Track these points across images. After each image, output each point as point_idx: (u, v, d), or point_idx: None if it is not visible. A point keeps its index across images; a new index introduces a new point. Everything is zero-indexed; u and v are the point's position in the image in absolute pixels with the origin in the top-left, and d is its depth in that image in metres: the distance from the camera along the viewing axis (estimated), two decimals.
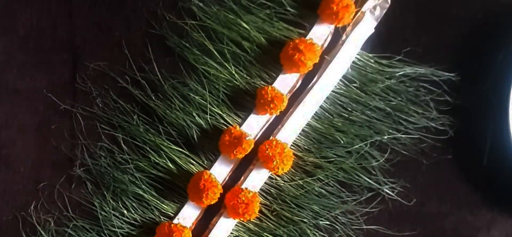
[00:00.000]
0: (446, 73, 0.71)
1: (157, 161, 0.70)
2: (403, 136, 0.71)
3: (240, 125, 0.71)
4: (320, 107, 0.71)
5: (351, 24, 0.71)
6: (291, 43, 0.70)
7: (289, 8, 0.71)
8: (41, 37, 0.72)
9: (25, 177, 0.71)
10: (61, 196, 0.70)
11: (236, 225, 0.70)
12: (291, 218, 0.70)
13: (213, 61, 0.71)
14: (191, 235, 0.69)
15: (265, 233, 0.70)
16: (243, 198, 0.67)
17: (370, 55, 0.71)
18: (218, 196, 0.68)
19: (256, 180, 0.70)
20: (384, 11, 0.71)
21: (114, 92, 0.71)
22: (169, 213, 0.70)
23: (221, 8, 0.71)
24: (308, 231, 0.70)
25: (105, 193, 0.70)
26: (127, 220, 0.70)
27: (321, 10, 0.71)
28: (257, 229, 0.70)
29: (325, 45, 0.72)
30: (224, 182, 0.71)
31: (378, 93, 0.71)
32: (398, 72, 0.71)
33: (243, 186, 0.69)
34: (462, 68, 0.72)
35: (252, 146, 0.69)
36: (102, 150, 0.71)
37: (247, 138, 0.68)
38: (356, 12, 0.71)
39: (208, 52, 0.71)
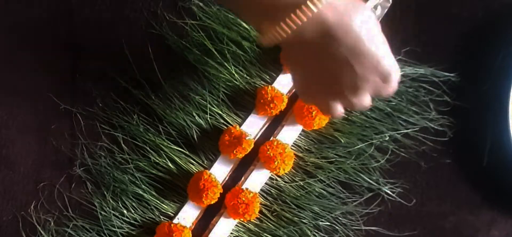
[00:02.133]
0: (446, 74, 0.71)
1: (157, 161, 0.70)
2: (403, 137, 0.71)
3: (240, 125, 0.71)
4: None
5: None
6: None
7: None
8: (41, 37, 0.72)
9: (25, 177, 0.71)
10: (61, 196, 0.70)
11: (236, 225, 0.70)
12: (291, 218, 0.70)
13: (213, 61, 0.71)
14: (191, 235, 0.69)
15: (265, 234, 0.70)
16: (244, 199, 0.67)
17: None
18: (218, 196, 0.68)
19: (256, 180, 0.70)
20: (386, 11, 0.71)
21: (114, 92, 0.71)
22: (169, 213, 0.70)
23: (221, 8, 0.71)
24: (308, 231, 0.70)
25: (105, 193, 0.70)
26: (127, 220, 0.70)
27: None
28: (257, 229, 0.70)
29: None
30: (224, 182, 0.71)
31: None
32: None
33: (244, 187, 0.69)
34: (462, 68, 0.72)
35: (252, 146, 0.69)
36: (102, 150, 0.70)
37: (247, 138, 0.68)
38: None
39: (208, 52, 0.71)
